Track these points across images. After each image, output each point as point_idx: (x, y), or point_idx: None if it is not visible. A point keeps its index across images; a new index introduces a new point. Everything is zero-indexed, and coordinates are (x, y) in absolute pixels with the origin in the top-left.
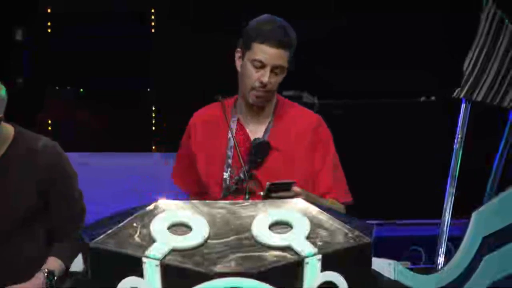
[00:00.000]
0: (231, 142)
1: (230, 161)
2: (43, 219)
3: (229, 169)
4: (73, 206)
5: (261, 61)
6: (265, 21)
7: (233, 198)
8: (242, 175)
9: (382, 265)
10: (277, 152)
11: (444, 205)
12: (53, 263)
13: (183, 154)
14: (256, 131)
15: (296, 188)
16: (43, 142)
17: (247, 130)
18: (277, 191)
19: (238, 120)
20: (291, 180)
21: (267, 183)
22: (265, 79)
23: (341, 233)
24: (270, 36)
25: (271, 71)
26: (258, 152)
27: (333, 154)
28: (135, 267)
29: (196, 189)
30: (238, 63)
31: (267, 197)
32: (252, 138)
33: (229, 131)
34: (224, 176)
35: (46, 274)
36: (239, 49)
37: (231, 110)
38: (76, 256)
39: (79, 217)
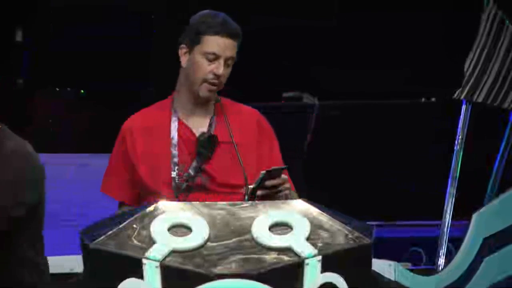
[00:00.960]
0: (174, 141)
1: (176, 159)
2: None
3: (176, 168)
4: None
5: (215, 53)
6: (211, 14)
7: (185, 197)
8: (191, 171)
9: (383, 266)
10: (224, 145)
11: (445, 206)
12: None
13: (118, 165)
14: (199, 126)
15: (283, 176)
16: (14, 143)
17: (190, 127)
18: (270, 178)
19: (178, 118)
20: (282, 166)
21: (261, 172)
22: (220, 70)
23: (341, 234)
24: (222, 28)
25: (224, 62)
26: (207, 146)
27: (277, 146)
28: (135, 269)
29: (131, 197)
30: (183, 59)
31: (258, 187)
32: (196, 133)
33: (171, 130)
34: (172, 175)
35: None
36: (183, 45)
37: (169, 109)
38: None
39: None
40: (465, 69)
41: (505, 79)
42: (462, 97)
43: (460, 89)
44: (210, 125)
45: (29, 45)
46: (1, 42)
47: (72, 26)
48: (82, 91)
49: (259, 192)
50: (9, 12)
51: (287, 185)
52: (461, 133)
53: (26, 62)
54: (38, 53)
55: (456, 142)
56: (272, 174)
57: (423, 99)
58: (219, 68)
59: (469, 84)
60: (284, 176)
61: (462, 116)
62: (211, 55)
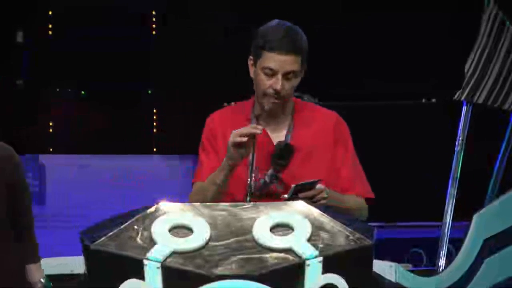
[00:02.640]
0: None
1: (252, 166)
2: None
3: (252, 174)
4: (27, 200)
5: (272, 68)
6: (273, 27)
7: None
8: (267, 179)
9: (383, 268)
10: (300, 153)
11: (445, 207)
12: (38, 271)
13: (211, 157)
14: (277, 133)
15: (319, 185)
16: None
17: (268, 133)
18: (303, 191)
19: (256, 123)
20: (315, 179)
21: (293, 185)
22: (278, 86)
23: (342, 235)
24: (279, 44)
25: (284, 77)
26: (283, 155)
27: (352, 150)
28: (136, 270)
29: None
30: (251, 70)
31: (292, 198)
32: (274, 140)
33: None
34: (248, 181)
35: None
36: (251, 57)
37: (250, 113)
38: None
39: (28, 208)
40: (465, 70)
41: (505, 80)
42: (462, 98)
43: (461, 90)
44: (287, 132)
45: (30, 46)
46: (1, 43)
47: (72, 27)
48: (82, 92)
49: None
50: (9, 13)
51: (323, 195)
52: (462, 134)
53: (26, 63)
54: (39, 54)
55: (456, 143)
56: (304, 186)
57: (423, 100)
58: (277, 83)
59: (470, 85)
60: (320, 186)
61: (462, 117)
62: (268, 70)
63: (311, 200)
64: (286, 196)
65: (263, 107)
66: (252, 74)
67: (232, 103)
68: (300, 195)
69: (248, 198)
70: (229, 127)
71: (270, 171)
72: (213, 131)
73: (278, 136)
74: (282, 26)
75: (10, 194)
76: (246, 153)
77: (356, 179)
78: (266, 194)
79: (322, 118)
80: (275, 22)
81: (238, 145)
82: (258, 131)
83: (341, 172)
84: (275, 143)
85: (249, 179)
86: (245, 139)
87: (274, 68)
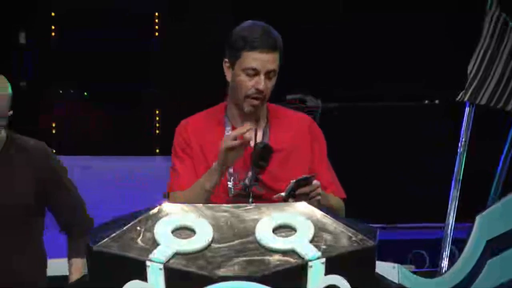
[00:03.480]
0: None
1: (231, 169)
2: (39, 222)
3: (232, 178)
4: (72, 198)
5: (254, 68)
6: (249, 27)
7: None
8: (247, 181)
9: (386, 269)
10: (279, 154)
11: (448, 209)
12: (80, 266)
13: (187, 164)
14: (253, 136)
15: (315, 181)
16: (33, 142)
17: (244, 135)
18: (300, 187)
19: (233, 127)
20: (311, 174)
21: (291, 181)
22: (261, 86)
23: (345, 237)
24: (259, 42)
25: (265, 76)
26: (263, 156)
27: (325, 151)
28: (138, 271)
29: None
30: (228, 73)
31: (289, 196)
32: (250, 143)
33: None
34: (229, 186)
35: None
36: (226, 60)
37: (223, 118)
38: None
39: (81, 209)
40: (468, 71)
41: (508, 81)
42: (465, 99)
43: (464, 91)
44: (264, 134)
45: (32, 47)
46: (4, 44)
47: (75, 29)
48: (85, 93)
49: (290, 201)
50: (12, 15)
51: (318, 190)
52: (464, 135)
53: (29, 64)
54: (42, 55)
55: (459, 144)
56: (301, 182)
57: (426, 101)
58: (260, 83)
59: (473, 86)
60: (316, 182)
61: (465, 119)
62: (251, 70)
63: (307, 197)
64: (283, 194)
65: (241, 109)
66: (229, 78)
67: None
68: (297, 191)
69: (250, 200)
70: (203, 133)
71: (250, 173)
72: (186, 139)
73: (254, 139)
74: (258, 25)
75: (47, 189)
76: (239, 156)
77: (332, 179)
78: (247, 197)
79: (296, 121)
80: (249, 22)
81: (231, 148)
82: (251, 130)
83: (319, 172)
84: (252, 146)
85: (229, 182)
86: (238, 142)
87: (257, 67)
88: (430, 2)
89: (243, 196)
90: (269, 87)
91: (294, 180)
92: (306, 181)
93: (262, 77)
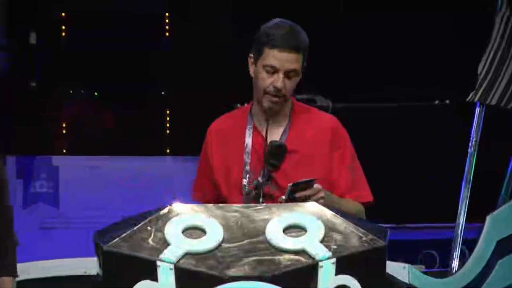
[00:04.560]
0: (248, 148)
1: (247, 167)
2: None
3: (247, 175)
4: (6, 212)
5: (274, 66)
6: (275, 25)
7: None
8: (260, 179)
9: (397, 269)
10: (295, 155)
11: (459, 209)
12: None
13: (202, 167)
14: (274, 135)
15: (316, 185)
16: None
17: (263, 134)
18: (299, 190)
19: (254, 125)
20: (311, 178)
21: (289, 185)
22: (279, 84)
23: (355, 237)
24: (281, 41)
25: (285, 75)
26: (275, 154)
27: (351, 154)
28: (149, 271)
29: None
30: (251, 69)
31: (289, 199)
32: (267, 141)
33: (246, 137)
34: (243, 183)
35: None
36: (251, 55)
37: (247, 116)
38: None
39: (10, 224)
40: (478, 72)
41: None
42: (476, 99)
43: (474, 91)
44: (283, 133)
45: (42, 47)
46: (14, 45)
47: (85, 29)
48: (95, 93)
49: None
50: (22, 15)
51: (320, 194)
52: (475, 135)
53: (39, 64)
54: (52, 55)
55: (470, 144)
56: (300, 186)
57: (437, 102)
58: (278, 81)
59: (483, 86)
60: (317, 185)
61: (475, 119)
62: (270, 67)
63: (308, 200)
64: (283, 197)
65: (262, 107)
66: (252, 73)
67: (238, 105)
68: (297, 194)
69: (260, 200)
70: (225, 133)
71: (263, 171)
72: (208, 142)
73: (272, 136)
74: (285, 24)
75: None
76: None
77: (353, 183)
78: (259, 195)
79: (320, 121)
80: (277, 20)
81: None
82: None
83: (338, 176)
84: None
85: (244, 180)
86: None
87: (276, 65)
88: (439, 1)
89: (255, 194)
90: (288, 87)
91: (291, 184)
92: (306, 185)
93: (281, 75)
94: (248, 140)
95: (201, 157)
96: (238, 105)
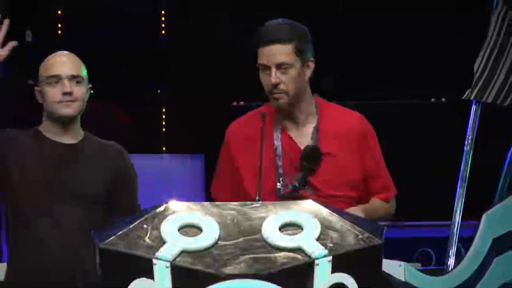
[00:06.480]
0: (278, 151)
1: (280, 170)
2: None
3: (280, 179)
4: (133, 202)
5: (263, 64)
6: (267, 24)
7: None
8: (297, 184)
9: (392, 267)
10: (327, 156)
11: (455, 207)
12: None
13: (224, 169)
14: (301, 136)
15: (355, 210)
16: (112, 142)
17: (292, 136)
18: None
19: (281, 127)
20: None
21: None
22: (272, 79)
23: (351, 235)
24: (265, 37)
25: (277, 69)
26: (312, 159)
27: (379, 150)
28: (145, 269)
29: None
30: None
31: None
32: (297, 143)
33: (274, 140)
34: (278, 186)
35: None
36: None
37: (273, 117)
38: None
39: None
40: (474, 70)
41: None
42: (472, 97)
43: (470, 89)
44: (312, 135)
45: (38, 45)
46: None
47: (81, 27)
48: (92, 91)
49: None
50: (18, 13)
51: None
52: (471, 133)
53: (35, 62)
54: (48, 53)
55: (465, 142)
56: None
57: (433, 100)
58: (271, 77)
59: (479, 84)
60: (358, 211)
61: (471, 117)
62: (262, 66)
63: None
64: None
65: (274, 107)
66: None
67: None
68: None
69: (257, 198)
70: (250, 139)
71: (298, 175)
72: (225, 143)
73: (302, 139)
74: (275, 21)
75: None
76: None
77: (385, 183)
78: (296, 198)
79: (346, 120)
80: (272, 20)
81: None
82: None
83: (374, 175)
84: (301, 147)
85: (278, 183)
86: None
87: (265, 62)
88: (437, 1)
89: (292, 198)
90: (286, 81)
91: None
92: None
93: (273, 70)
94: (278, 143)
95: (221, 159)
96: (234, 103)
